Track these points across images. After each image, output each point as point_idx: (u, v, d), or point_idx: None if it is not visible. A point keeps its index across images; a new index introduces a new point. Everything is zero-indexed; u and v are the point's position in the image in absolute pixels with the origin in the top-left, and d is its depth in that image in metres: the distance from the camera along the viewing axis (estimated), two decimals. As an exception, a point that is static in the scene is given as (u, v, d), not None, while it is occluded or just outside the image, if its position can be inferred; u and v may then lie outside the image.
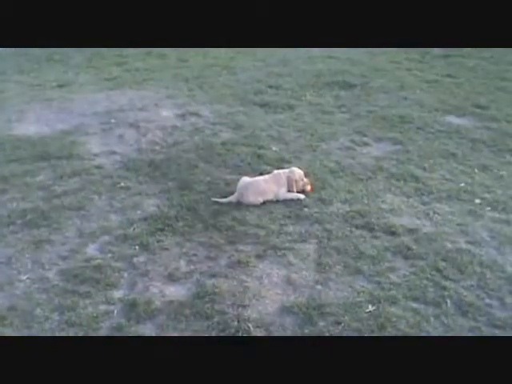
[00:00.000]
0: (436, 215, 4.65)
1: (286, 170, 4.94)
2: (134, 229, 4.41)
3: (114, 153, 5.75)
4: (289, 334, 3.40)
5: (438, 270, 3.95)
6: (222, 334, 3.38)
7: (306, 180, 4.94)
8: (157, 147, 5.89)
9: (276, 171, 4.97)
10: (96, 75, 8.57)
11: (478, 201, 4.89)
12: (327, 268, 3.97)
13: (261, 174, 5.15)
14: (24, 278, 3.89)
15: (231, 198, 4.77)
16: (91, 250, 4.18)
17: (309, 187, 4.94)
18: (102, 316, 3.53)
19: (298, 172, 4.92)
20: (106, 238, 4.31)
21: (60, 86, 7.97)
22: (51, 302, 3.66)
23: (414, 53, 9.80)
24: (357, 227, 4.44)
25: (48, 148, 5.80)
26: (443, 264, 4.02)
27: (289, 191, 4.86)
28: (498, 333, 3.42)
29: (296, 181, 4.86)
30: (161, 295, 3.72)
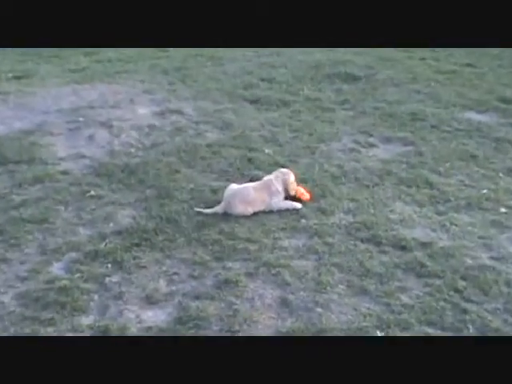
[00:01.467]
0: (454, 227, 4.68)
1: (278, 174, 4.96)
2: (105, 244, 4.40)
3: (82, 156, 5.75)
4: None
5: (458, 291, 3.96)
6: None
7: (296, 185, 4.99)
8: (132, 150, 5.90)
9: (267, 177, 4.99)
10: (60, 66, 8.57)
11: (503, 210, 4.93)
12: (328, 288, 3.98)
13: (251, 180, 5.17)
14: (-25, 302, 3.86)
15: (217, 209, 4.78)
16: (56, 269, 4.17)
17: (307, 194, 4.97)
18: (68, 346, 3.52)
19: (289, 172, 4.97)
20: (74, 255, 4.31)
21: (17, 78, 7.95)
22: (6, 330, 3.61)
23: (428, 40, 9.89)
24: (362, 241, 4.47)
25: (4, 150, 5.79)
26: (463, 283, 4.03)
27: (286, 197, 4.89)
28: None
29: (292, 183, 4.91)
30: (137, 321, 3.71)
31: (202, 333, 3.59)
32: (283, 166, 5.49)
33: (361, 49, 9.31)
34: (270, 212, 4.82)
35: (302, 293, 3.95)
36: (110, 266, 4.19)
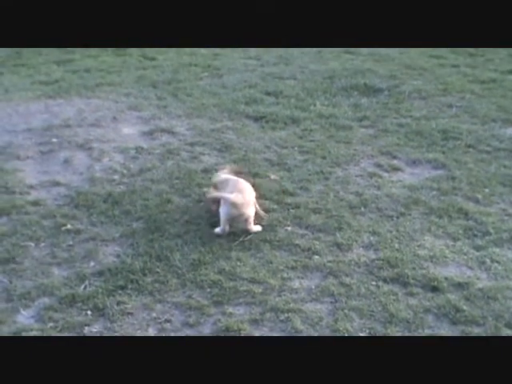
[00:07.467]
0: (495, 264, 4.71)
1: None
2: (85, 287, 4.44)
3: (56, 184, 5.79)
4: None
5: (502, 341, 3.98)
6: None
7: None
8: (116, 176, 5.95)
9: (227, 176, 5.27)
10: (29, 77, 8.64)
11: (554, 244, 4.96)
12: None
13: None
14: None
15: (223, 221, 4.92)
16: (23, 318, 4.16)
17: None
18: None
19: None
20: (46, 300, 4.32)
21: (-25, 91, 8.01)
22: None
23: (462, 45, 9.98)
24: (385, 281, 4.51)
25: (-36, 178, 5.82)
26: (509, 332, 4.03)
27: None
28: None
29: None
30: (122, 377, 3.74)
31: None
32: (292, 194, 5.56)
33: (383, 55, 9.43)
34: (277, 248, 4.88)
35: (315, 343, 3.98)
36: (89, 313, 4.21)
